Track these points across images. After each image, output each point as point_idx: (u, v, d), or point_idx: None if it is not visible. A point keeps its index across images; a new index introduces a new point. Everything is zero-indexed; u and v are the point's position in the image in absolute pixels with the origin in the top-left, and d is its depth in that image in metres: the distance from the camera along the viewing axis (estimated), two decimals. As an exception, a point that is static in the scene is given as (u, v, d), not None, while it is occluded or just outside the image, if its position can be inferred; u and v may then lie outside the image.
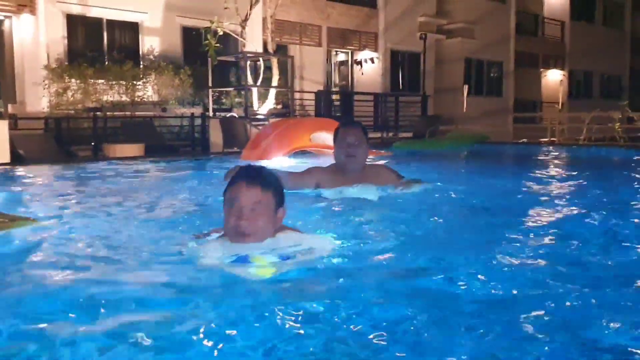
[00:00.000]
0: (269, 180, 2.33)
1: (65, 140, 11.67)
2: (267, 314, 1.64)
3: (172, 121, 13.94)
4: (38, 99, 12.81)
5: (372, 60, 20.21)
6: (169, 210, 3.82)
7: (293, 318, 1.63)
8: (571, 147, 10.73)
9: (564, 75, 24.21)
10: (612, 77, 30.84)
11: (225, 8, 13.05)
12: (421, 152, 9.44)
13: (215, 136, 12.50)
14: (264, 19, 15.05)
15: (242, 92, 14.71)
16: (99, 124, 12.00)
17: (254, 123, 12.24)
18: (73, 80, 12.92)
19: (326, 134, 6.61)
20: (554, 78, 27.97)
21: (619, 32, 30.87)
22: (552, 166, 7.55)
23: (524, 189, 4.63)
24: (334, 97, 19.03)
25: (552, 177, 5.89)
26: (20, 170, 6.90)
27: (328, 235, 2.65)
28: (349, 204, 3.48)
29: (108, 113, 12.67)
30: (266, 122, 12.97)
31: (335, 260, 2.28)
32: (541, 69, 27.28)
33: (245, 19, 13.64)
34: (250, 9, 13.63)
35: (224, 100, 15.20)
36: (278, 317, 1.62)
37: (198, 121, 13.52)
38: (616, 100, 28.17)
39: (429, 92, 19.81)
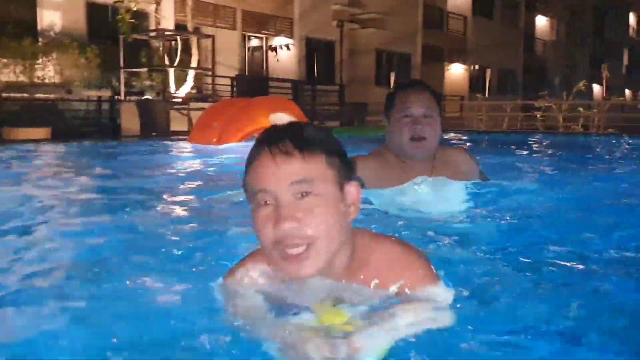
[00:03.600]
0: (314, 137, 1.29)
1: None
2: None
3: (79, 105, 12.65)
4: None
5: (287, 46, 19.70)
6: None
7: None
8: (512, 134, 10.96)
9: (489, 69, 25.10)
10: (508, 72, 32.39)
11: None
12: (365, 138, 9.07)
13: (129, 121, 11.50)
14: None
15: (155, 74, 13.74)
16: (-7, 106, 10.60)
17: (175, 107, 11.38)
18: (-40, 55, 11.36)
19: (285, 115, 6.05)
20: (456, 72, 28.87)
21: (514, 29, 32.45)
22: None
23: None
24: (250, 83, 18.31)
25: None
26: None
27: None
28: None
29: (4, 94, 11.24)
30: (185, 106, 12.14)
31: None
32: (445, 63, 28.03)
33: (160, -5, 12.69)
34: (166, -15, 12.68)
35: (134, 83, 14.07)
36: None
37: (106, 105, 12.36)
38: (512, 94, 29.65)
39: (343, 82, 19.64)
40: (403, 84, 2.60)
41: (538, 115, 12.44)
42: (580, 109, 14.46)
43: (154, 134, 10.91)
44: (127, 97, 12.72)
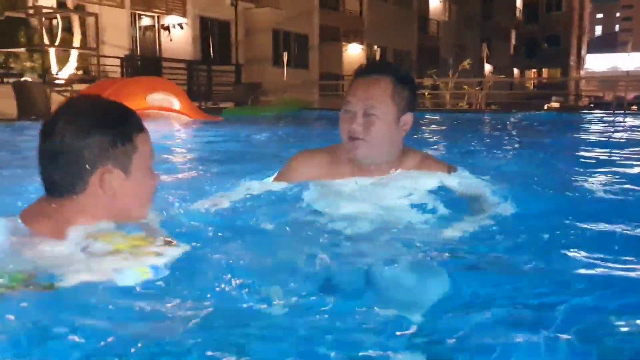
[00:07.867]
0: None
1: None
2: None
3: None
4: None
5: (180, 26, 19.17)
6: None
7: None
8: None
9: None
10: (403, 52, 33.33)
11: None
12: (255, 117, 9.12)
13: (4, 104, 10.86)
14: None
15: (36, 55, 12.99)
16: None
17: (56, 89, 10.82)
18: None
19: (164, 95, 5.92)
20: (353, 52, 29.36)
21: (408, 10, 33.38)
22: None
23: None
24: (141, 63, 17.71)
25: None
26: None
27: None
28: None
29: None
30: (69, 88, 11.60)
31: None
32: (342, 43, 28.42)
33: (36, -30, 11.95)
34: (42, -41, 11.96)
35: (12, 65, 13.24)
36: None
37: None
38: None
39: (240, 62, 19.44)
40: (362, 68, 2.10)
41: (426, 94, 12.97)
42: (466, 87, 15.19)
43: (32, 117, 10.35)
44: (4, 79, 11.97)
